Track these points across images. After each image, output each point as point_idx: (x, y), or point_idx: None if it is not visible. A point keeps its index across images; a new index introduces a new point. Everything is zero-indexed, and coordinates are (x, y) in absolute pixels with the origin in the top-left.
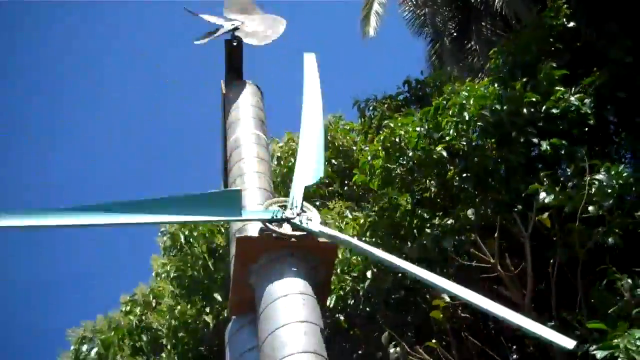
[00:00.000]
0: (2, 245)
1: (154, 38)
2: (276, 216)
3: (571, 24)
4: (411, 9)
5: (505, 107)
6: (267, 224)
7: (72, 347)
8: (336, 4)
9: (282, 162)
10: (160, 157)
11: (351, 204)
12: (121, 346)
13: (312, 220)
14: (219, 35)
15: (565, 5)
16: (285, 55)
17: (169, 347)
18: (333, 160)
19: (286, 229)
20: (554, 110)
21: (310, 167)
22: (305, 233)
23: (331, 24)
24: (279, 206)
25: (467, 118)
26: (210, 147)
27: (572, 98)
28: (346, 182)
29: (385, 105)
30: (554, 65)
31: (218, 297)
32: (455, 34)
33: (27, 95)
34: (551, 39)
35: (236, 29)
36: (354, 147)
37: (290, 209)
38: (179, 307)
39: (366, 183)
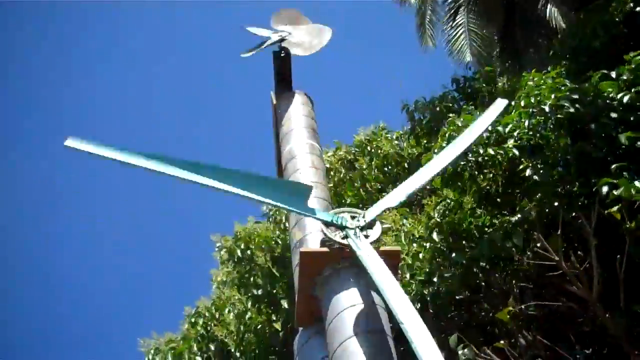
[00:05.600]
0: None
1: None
2: (336, 221)
3: (638, 9)
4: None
5: (580, 98)
6: (326, 231)
7: (145, 358)
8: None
9: (332, 173)
10: None
11: (405, 211)
12: (191, 357)
13: (370, 236)
14: (265, 47)
15: None
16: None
17: (237, 354)
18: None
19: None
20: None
21: (400, 194)
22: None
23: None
24: (350, 216)
25: (547, 110)
26: None
27: None
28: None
29: (437, 108)
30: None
31: (285, 304)
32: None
33: None
34: (619, 24)
35: (282, 40)
36: (402, 154)
37: (357, 219)
38: (247, 315)
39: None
